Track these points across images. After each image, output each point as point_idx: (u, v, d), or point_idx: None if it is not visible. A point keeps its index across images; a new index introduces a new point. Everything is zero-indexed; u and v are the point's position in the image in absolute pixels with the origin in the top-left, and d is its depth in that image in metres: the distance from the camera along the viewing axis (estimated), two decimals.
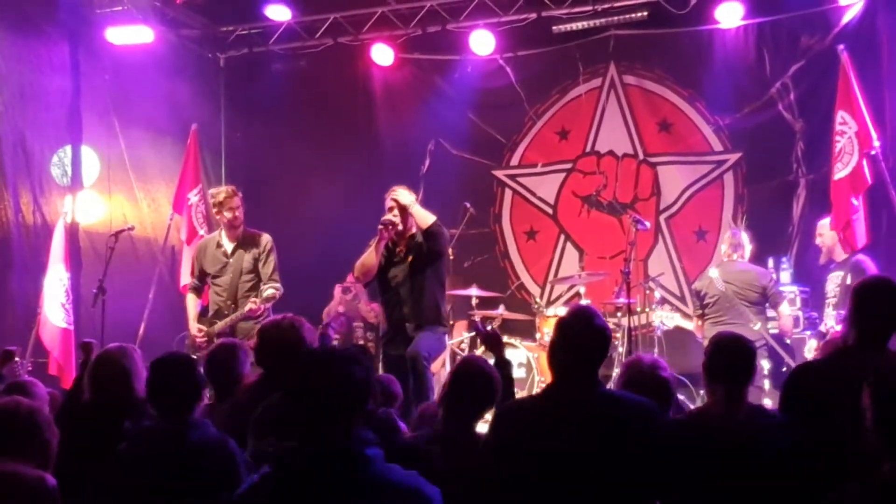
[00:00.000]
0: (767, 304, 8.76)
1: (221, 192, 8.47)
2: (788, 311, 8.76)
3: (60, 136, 10.21)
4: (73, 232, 9.80)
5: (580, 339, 3.89)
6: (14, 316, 9.48)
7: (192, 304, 8.53)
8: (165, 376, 4.05)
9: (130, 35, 10.66)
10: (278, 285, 8.16)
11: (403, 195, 7.52)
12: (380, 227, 7.40)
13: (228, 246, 8.38)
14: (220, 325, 8.24)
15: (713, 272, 8.78)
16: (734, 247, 8.88)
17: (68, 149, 10.20)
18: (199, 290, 8.56)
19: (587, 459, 3.66)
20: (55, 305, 9.23)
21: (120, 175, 10.91)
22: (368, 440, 3.04)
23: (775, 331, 8.72)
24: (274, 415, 4.11)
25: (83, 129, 10.31)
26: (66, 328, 9.23)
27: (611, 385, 6.75)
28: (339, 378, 3.04)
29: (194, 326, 8.36)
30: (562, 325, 4.00)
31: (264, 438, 3.94)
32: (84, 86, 10.33)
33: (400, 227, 7.51)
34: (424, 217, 7.48)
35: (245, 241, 8.39)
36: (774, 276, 9.17)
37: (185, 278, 9.74)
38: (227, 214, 8.31)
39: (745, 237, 9.01)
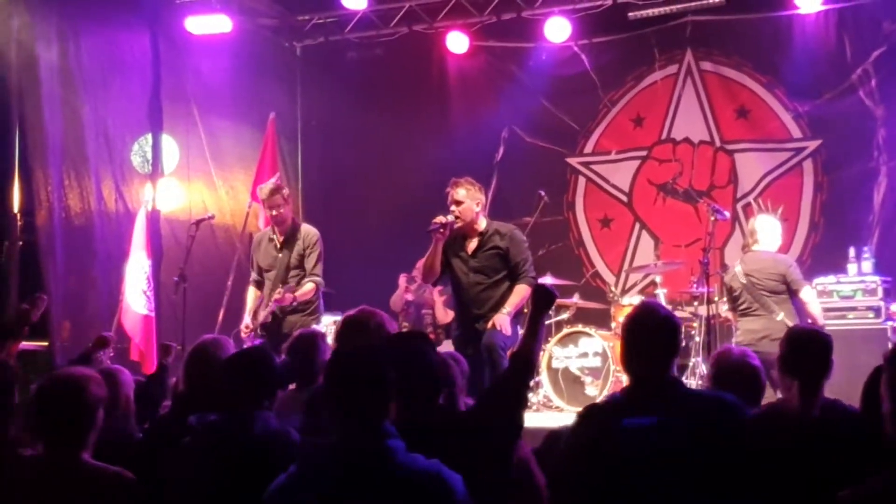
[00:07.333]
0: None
1: (266, 189, 8.30)
2: (812, 296, 8.09)
3: (141, 124, 10.39)
4: (154, 220, 9.97)
5: (650, 336, 3.80)
6: (97, 303, 9.69)
7: (251, 297, 8.35)
8: (232, 372, 4.11)
9: (209, 24, 10.82)
10: (319, 279, 8.10)
11: (460, 192, 7.18)
12: (429, 231, 7.06)
13: (279, 241, 8.23)
14: (260, 316, 8.20)
15: (737, 265, 8.27)
16: (751, 234, 8.25)
17: (149, 137, 10.38)
18: (260, 285, 8.34)
19: (673, 461, 3.61)
20: (137, 293, 9.41)
21: (199, 163, 11.08)
22: (389, 432, 3.13)
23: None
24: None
25: (163, 117, 10.48)
26: (147, 315, 9.41)
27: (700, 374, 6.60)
28: (366, 376, 3.17)
29: (246, 320, 8.24)
30: (629, 325, 3.89)
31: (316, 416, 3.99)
32: (164, 75, 10.50)
33: (458, 224, 7.15)
34: (519, 303, 7.12)
35: (292, 237, 8.22)
36: (791, 262, 8.36)
37: None
38: (272, 212, 8.19)
39: (762, 222, 8.32)
